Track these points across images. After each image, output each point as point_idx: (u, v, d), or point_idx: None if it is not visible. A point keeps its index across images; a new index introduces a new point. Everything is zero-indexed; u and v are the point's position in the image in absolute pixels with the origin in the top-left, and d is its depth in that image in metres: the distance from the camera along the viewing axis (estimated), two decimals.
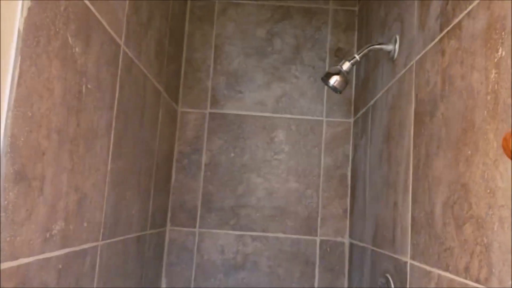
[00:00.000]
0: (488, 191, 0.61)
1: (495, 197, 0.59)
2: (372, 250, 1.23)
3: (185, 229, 1.62)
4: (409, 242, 0.93)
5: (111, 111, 0.94)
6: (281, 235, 1.62)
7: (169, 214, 1.63)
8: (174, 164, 1.66)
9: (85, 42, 0.77)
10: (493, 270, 0.59)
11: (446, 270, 0.73)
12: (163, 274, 1.59)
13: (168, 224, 1.62)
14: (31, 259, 0.64)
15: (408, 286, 0.92)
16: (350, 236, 1.58)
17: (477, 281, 0.63)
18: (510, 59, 0.57)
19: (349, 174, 1.65)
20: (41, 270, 0.67)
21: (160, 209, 1.49)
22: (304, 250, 1.61)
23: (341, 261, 1.60)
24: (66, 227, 0.75)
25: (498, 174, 0.59)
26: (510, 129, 0.43)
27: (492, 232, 0.60)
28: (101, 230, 0.93)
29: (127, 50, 1.02)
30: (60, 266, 0.74)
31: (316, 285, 1.59)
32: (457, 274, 0.69)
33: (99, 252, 0.92)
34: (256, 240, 1.62)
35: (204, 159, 1.66)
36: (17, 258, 0.60)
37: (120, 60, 0.98)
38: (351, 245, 1.55)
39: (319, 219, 1.63)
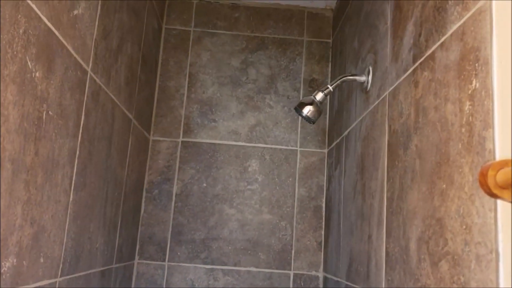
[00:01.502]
0: (464, 227, 0.59)
1: (472, 233, 0.57)
2: (347, 285, 1.20)
3: (154, 262, 1.56)
4: (383, 278, 0.90)
5: (75, 139, 0.90)
6: (253, 269, 1.57)
7: (137, 247, 1.56)
8: (144, 194, 1.60)
9: (47, 66, 0.74)
10: None
11: None
12: None
13: (136, 257, 1.55)
14: None
15: None
16: (325, 270, 1.54)
17: None
18: (484, 90, 0.56)
19: (323, 205, 1.63)
20: None
21: (127, 241, 1.42)
22: (277, 284, 1.56)
23: None
24: (18, 263, 0.69)
25: (474, 209, 0.57)
26: (487, 163, 0.41)
27: (469, 271, 0.57)
28: (60, 266, 0.87)
29: (94, 77, 0.98)
30: None
31: None
32: None
33: None
34: (227, 274, 1.56)
35: (175, 189, 1.61)
36: None
37: (87, 86, 0.94)
38: (325, 279, 1.51)
39: (293, 252, 1.59)
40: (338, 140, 1.47)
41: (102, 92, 1.04)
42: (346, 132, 1.35)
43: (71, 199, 0.90)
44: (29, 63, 0.67)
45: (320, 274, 1.57)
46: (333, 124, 1.58)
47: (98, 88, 1.01)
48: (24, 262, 0.71)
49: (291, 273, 1.57)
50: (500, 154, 0.51)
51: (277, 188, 1.64)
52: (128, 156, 1.35)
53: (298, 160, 1.66)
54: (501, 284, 0.51)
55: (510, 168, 0.38)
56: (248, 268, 1.57)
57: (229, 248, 1.58)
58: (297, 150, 1.67)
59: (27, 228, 0.71)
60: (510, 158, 0.41)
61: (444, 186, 0.65)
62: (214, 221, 1.60)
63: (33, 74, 0.69)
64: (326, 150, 1.67)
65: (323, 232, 1.60)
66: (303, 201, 1.63)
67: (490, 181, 0.40)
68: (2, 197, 0.63)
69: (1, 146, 0.61)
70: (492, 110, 0.54)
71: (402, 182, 0.83)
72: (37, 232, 0.75)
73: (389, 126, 0.93)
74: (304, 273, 1.57)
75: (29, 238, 0.72)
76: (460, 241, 0.60)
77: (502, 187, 0.40)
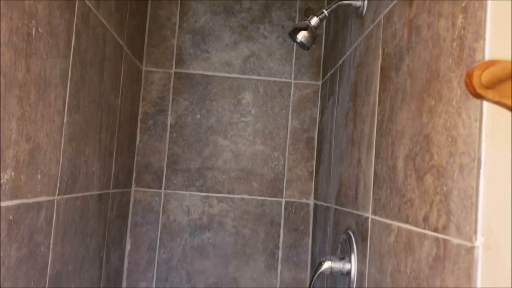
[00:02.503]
0: (450, 139, 0.61)
1: (457, 144, 0.59)
2: (335, 209, 1.24)
3: (150, 190, 1.60)
4: (371, 198, 0.93)
5: (67, 60, 0.89)
6: (247, 196, 1.62)
7: (134, 175, 1.59)
8: (139, 124, 1.61)
9: None
10: (452, 218, 0.59)
11: (406, 222, 0.74)
12: (128, 234, 1.57)
13: (133, 185, 1.59)
14: None
15: (369, 241, 0.92)
16: (315, 198, 1.59)
17: (435, 230, 0.63)
18: (478, 2, 0.56)
19: (315, 137, 1.65)
20: None
21: (124, 169, 1.45)
22: (269, 211, 1.61)
23: (305, 222, 1.62)
24: (16, 177, 0.71)
25: (460, 121, 0.59)
26: (473, 65, 0.41)
27: (452, 180, 0.60)
28: (58, 185, 0.89)
29: None
30: (11, 217, 0.70)
31: (280, 244, 1.60)
32: (416, 225, 0.70)
33: (55, 207, 0.89)
34: (222, 201, 1.61)
35: (169, 120, 1.62)
36: None
37: (76, 6, 0.92)
38: (316, 206, 1.56)
39: (284, 181, 1.63)
40: (332, 71, 1.47)
41: (92, 15, 1.02)
42: (340, 61, 1.35)
43: (65, 120, 0.90)
44: None
45: (311, 202, 1.63)
46: (328, 55, 1.57)
47: (88, 10, 0.99)
48: (22, 176, 0.73)
49: (283, 200, 1.62)
50: None
51: (271, 120, 1.65)
52: (121, 85, 1.34)
53: (292, 93, 1.66)
54: (481, 189, 0.54)
55: (495, 67, 0.39)
56: (241, 196, 1.61)
57: (223, 177, 1.62)
58: (291, 82, 1.66)
59: (22, 144, 0.73)
60: (496, 58, 0.42)
61: (433, 102, 0.67)
62: (208, 152, 1.62)
63: None
64: (320, 82, 1.67)
65: (314, 163, 1.64)
66: (295, 133, 1.65)
67: (475, 81, 0.41)
68: None
69: None
70: (484, 21, 0.54)
71: (392, 104, 0.84)
72: (33, 149, 0.77)
73: (383, 50, 0.92)
74: (295, 200, 1.62)
75: (26, 153, 0.74)
76: (445, 153, 0.62)
77: (487, 87, 0.41)
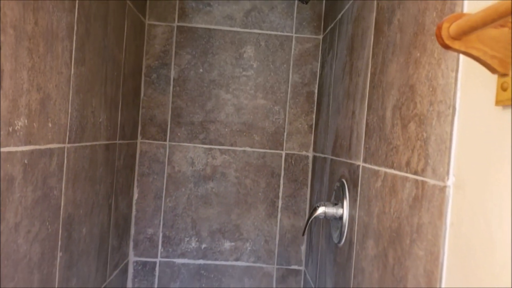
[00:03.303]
0: (431, 89, 0.65)
1: (436, 94, 0.64)
2: (332, 159, 1.30)
3: (155, 142, 1.66)
4: (362, 147, 0.98)
5: (72, 15, 0.93)
6: (248, 149, 1.68)
7: (139, 128, 1.65)
8: (143, 78, 1.65)
9: None
10: (429, 161, 0.65)
11: (392, 167, 0.79)
12: (135, 184, 1.65)
13: (139, 137, 1.65)
14: None
15: (359, 187, 0.99)
16: (314, 150, 1.64)
17: (415, 173, 0.69)
18: None
19: (316, 91, 1.69)
20: (5, 162, 0.70)
21: (129, 121, 1.50)
22: (270, 163, 1.68)
23: (304, 173, 1.68)
24: (29, 124, 0.77)
25: (440, 72, 0.63)
26: (444, 19, 0.45)
27: (431, 127, 0.65)
28: (67, 133, 0.95)
29: None
30: (26, 161, 0.76)
31: (280, 194, 1.68)
32: (399, 169, 0.75)
33: (66, 154, 0.95)
34: (224, 153, 1.67)
35: (172, 74, 1.66)
36: None
37: None
38: (314, 158, 1.62)
39: (285, 134, 1.68)
40: (332, 25, 1.48)
41: None
42: (339, 16, 1.36)
43: (72, 72, 0.95)
44: None
45: (310, 154, 1.69)
46: (329, 9, 1.58)
47: None
48: (34, 124, 0.79)
49: (283, 153, 1.68)
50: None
51: (272, 74, 1.68)
52: (125, 39, 1.38)
53: (293, 47, 1.68)
54: (454, 134, 0.58)
55: (461, 19, 0.43)
56: (243, 148, 1.67)
57: (226, 130, 1.67)
58: (292, 36, 1.68)
59: (34, 93, 0.78)
60: (465, 12, 0.45)
61: (418, 54, 0.70)
62: (211, 105, 1.67)
63: None
64: (321, 36, 1.68)
65: (314, 116, 1.69)
66: (296, 87, 1.69)
67: (444, 33, 0.45)
68: (8, 61, 0.68)
69: (2, 12, 0.65)
70: None
71: (384, 57, 0.88)
72: (43, 99, 0.82)
73: (377, 4, 0.95)
74: (295, 153, 1.68)
75: (37, 103, 0.79)
76: (426, 102, 0.67)
77: (454, 38, 0.45)
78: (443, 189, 0.60)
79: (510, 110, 0.47)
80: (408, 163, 0.72)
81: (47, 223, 0.89)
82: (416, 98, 0.71)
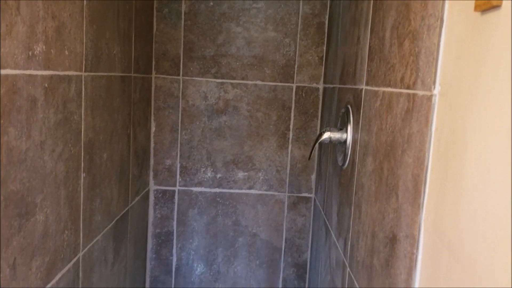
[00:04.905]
0: (423, 4, 0.68)
1: (427, 8, 0.66)
2: (339, 88, 1.34)
3: (169, 76, 1.71)
4: (365, 71, 1.02)
5: None
6: (259, 82, 1.71)
7: (153, 62, 1.70)
8: (155, 12, 1.68)
9: None
10: (419, 74, 0.68)
11: (388, 85, 0.83)
12: (152, 117, 1.72)
13: (153, 71, 1.70)
14: (17, 71, 0.73)
15: (362, 110, 1.03)
16: (324, 82, 1.67)
17: (408, 87, 0.73)
18: None
19: (326, 22, 1.69)
20: (28, 84, 0.76)
21: (143, 56, 1.55)
22: (281, 96, 1.72)
23: (315, 105, 1.72)
24: (47, 50, 0.82)
25: None
26: None
27: (422, 41, 0.68)
28: (83, 62, 1.01)
29: None
30: (46, 85, 0.83)
31: (291, 126, 1.73)
32: (395, 86, 0.79)
33: (83, 82, 1.01)
34: (236, 87, 1.72)
35: (183, 7, 1.68)
36: (4, 68, 0.68)
37: None
38: (325, 89, 1.65)
39: (296, 66, 1.71)
40: None
41: None
42: None
43: (84, 3, 0.99)
44: None
45: (320, 86, 1.72)
46: None
47: None
48: (52, 50, 0.84)
49: (294, 85, 1.72)
50: None
51: (282, 6, 1.68)
52: None
53: None
54: (441, 45, 0.62)
55: None
56: (254, 82, 1.71)
57: (237, 63, 1.70)
58: None
59: (49, 21, 0.83)
60: None
61: None
62: (222, 39, 1.69)
63: None
64: None
65: (324, 48, 1.70)
66: (306, 18, 1.69)
67: None
68: None
69: None
70: None
71: None
72: (58, 26, 0.87)
73: None
74: (305, 85, 1.72)
75: (53, 30, 0.84)
76: (419, 18, 0.69)
77: None
78: (430, 98, 0.64)
79: (487, 15, 0.50)
80: (402, 79, 0.76)
81: (70, 145, 0.96)
82: (410, 15, 0.73)
